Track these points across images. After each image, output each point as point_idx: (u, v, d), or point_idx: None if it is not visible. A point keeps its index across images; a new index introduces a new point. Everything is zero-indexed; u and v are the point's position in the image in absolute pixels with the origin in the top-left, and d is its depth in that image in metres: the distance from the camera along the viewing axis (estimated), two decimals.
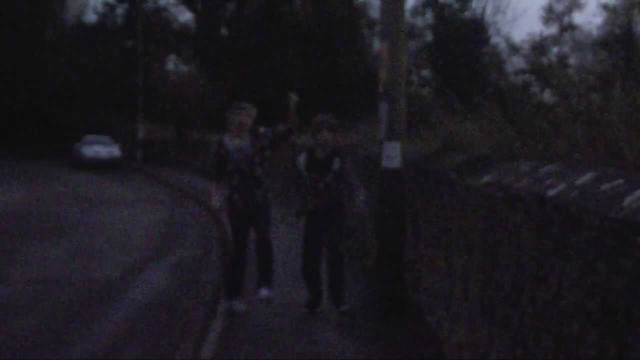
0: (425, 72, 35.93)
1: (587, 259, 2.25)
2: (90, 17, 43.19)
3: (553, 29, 42.52)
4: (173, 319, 5.75)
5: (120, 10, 38.85)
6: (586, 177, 2.56)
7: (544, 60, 35.94)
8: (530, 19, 69.53)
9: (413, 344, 4.94)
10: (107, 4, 38.89)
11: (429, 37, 35.24)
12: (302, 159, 5.70)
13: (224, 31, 35.73)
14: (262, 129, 5.86)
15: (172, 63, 41.01)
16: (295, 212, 5.88)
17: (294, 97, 5.72)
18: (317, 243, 5.75)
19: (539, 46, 39.90)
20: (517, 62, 37.00)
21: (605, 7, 35.97)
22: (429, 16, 35.29)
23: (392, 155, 5.61)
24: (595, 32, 36.73)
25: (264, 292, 5.77)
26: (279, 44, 30.40)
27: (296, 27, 31.27)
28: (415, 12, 34.71)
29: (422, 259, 5.35)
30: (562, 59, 35.25)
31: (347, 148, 5.70)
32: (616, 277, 2.05)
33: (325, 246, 5.77)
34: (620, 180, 2.33)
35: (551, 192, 2.64)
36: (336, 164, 5.59)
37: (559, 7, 42.06)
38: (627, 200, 2.11)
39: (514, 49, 38.11)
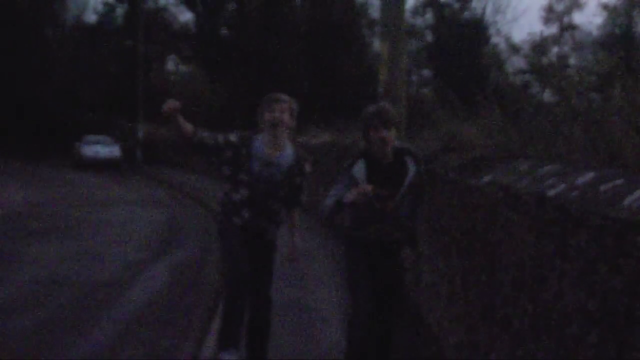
0: (425, 72, 35.95)
1: (587, 259, 2.25)
2: (90, 17, 43.31)
3: (553, 29, 42.56)
4: (173, 319, 5.75)
5: (120, 10, 38.92)
6: (586, 177, 2.56)
7: (544, 60, 35.95)
8: (530, 19, 69.56)
9: (413, 344, 4.93)
10: (107, 4, 38.95)
11: (429, 37, 35.25)
12: (358, 168, 3.79)
13: (224, 31, 35.74)
14: (307, 167, 4.17)
15: (172, 63, 41.08)
16: (331, 206, 3.76)
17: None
18: (370, 296, 3.78)
19: (539, 46, 39.90)
20: (517, 62, 37.04)
21: (605, 7, 35.99)
22: (429, 16, 35.33)
23: None
24: (595, 32, 36.75)
25: None
26: (279, 44, 30.38)
27: (296, 27, 31.26)
28: (415, 12, 34.75)
29: (422, 258, 5.35)
30: (562, 59, 35.26)
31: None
32: (616, 277, 2.05)
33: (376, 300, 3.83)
34: (620, 180, 2.33)
35: (551, 192, 2.64)
36: (411, 171, 3.81)
37: (559, 7, 42.09)
38: (627, 200, 2.11)
39: (514, 49, 38.14)
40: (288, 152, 4.04)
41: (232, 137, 3.99)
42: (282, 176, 4.00)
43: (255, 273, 4.03)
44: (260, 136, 4.02)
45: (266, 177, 3.98)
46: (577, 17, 69.32)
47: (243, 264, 3.96)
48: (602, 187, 2.35)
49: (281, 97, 3.99)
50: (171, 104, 3.78)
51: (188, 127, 3.93)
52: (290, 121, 4.00)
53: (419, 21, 35.31)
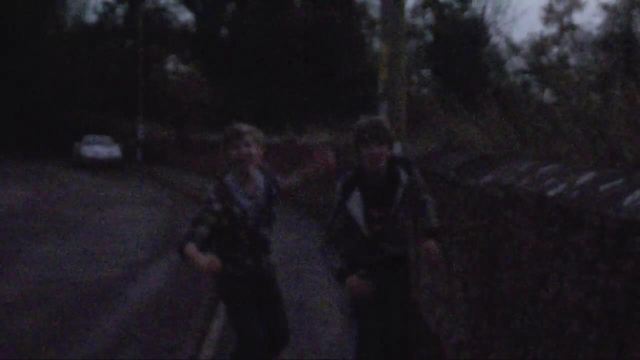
0: (425, 72, 35.97)
1: (587, 259, 2.25)
2: (90, 17, 43.36)
3: (553, 29, 42.58)
4: (173, 319, 5.75)
5: (120, 10, 38.94)
6: (586, 177, 2.56)
7: (544, 60, 35.96)
8: (530, 19, 69.54)
9: (413, 344, 4.93)
10: (107, 4, 38.97)
11: (429, 37, 35.26)
12: (355, 205, 3.54)
13: (224, 31, 35.75)
14: (276, 175, 3.88)
15: (172, 63, 41.10)
16: (336, 274, 3.52)
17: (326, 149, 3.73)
18: (376, 315, 3.61)
19: (539, 46, 39.91)
20: (517, 62, 37.06)
21: (605, 7, 35.99)
22: (429, 16, 35.33)
23: None
24: (595, 32, 36.75)
25: None
26: (279, 44, 30.39)
27: (296, 27, 31.26)
28: (415, 12, 34.76)
29: (422, 258, 5.35)
30: (562, 59, 35.27)
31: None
32: (616, 277, 2.05)
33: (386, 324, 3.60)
34: (620, 180, 2.33)
35: (551, 192, 2.64)
36: (403, 181, 3.56)
37: (559, 7, 42.10)
38: (627, 200, 2.11)
39: (514, 49, 38.14)
40: (258, 177, 3.73)
41: (216, 206, 3.55)
42: (264, 201, 3.69)
43: (269, 317, 3.74)
44: (229, 175, 3.67)
45: (252, 208, 3.64)
46: (577, 17, 69.34)
47: (256, 327, 3.62)
48: (602, 187, 2.35)
49: (241, 130, 3.62)
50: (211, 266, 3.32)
51: (198, 255, 3.43)
52: (258, 152, 3.66)
53: (419, 21, 35.33)
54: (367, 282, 3.40)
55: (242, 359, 3.65)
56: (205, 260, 3.30)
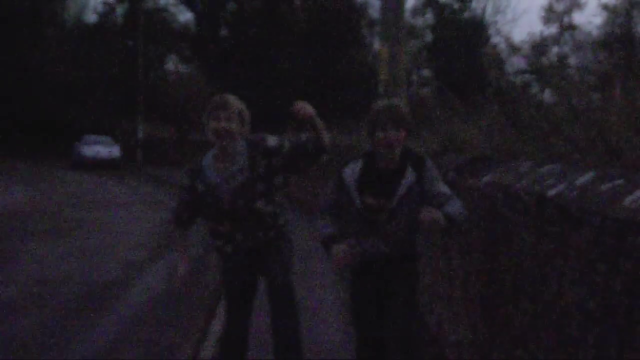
0: (425, 72, 35.97)
1: (587, 259, 2.25)
2: (90, 17, 43.34)
3: (553, 29, 42.58)
4: (173, 319, 5.75)
5: (120, 10, 38.93)
6: (586, 177, 2.56)
7: (544, 60, 35.97)
8: (530, 19, 69.56)
9: (418, 353, 4.93)
10: (107, 4, 38.97)
11: (429, 37, 35.27)
12: (350, 171, 3.38)
13: (224, 31, 35.76)
14: (270, 141, 3.59)
15: (172, 63, 41.10)
16: (324, 239, 3.36)
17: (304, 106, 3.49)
18: (375, 319, 3.36)
19: (539, 46, 39.92)
20: (517, 62, 37.07)
21: (605, 7, 35.99)
22: (429, 16, 35.35)
23: None
24: (595, 32, 36.76)
25: None
26: (279, 43, 30.40)
27: (296, 27, 31.27)
28: (415, 12, 34.79)
29: (422, 258, 5.35)
30: (562, 59, 35.27)
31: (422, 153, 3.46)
32: (616, 277, 2.05)
33: (387, 324, 3.33)
34: (620, 180, 2.33)
35: (551, 192, 2.64)
36: (409, 178, 3.26)
37: (559, 7, 42.11)
38: (627, 200, 2.11)
39: (514, 49, 38.15)
40: (239, 159, 3.51)
41: (185, 180, 3.68)
42: (249, 174, 3.49)
43: (269, 273, 3.65)
44: (205, 157, 3.61)
45: (234, 189, 3.50)
46: (577, 17, 69.40)
47: (241, 302, 3.62)
48: (602, 187, 2.35)
49: (228, 102, 3.47)
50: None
51: (185, 249, 3.92)
52: (240, 129, 3.49)
53: (419, 21, 35.36)
54: (356, 252, 3.21)
55: (222, 350, 3.70)
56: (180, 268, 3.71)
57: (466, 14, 34.28)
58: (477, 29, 33.27)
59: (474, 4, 34.44)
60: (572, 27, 41.00)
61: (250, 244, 3.61)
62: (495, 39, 36.81)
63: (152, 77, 34.95)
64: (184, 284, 3.72)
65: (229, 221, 3.57)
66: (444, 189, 3.28)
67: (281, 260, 3.67)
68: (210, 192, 3.55)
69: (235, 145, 3.50)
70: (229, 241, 3.63)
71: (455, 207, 3.20)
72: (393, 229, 3.26)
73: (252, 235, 3.59)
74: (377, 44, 30.37)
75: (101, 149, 27.82)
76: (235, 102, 3.51)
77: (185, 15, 52.40)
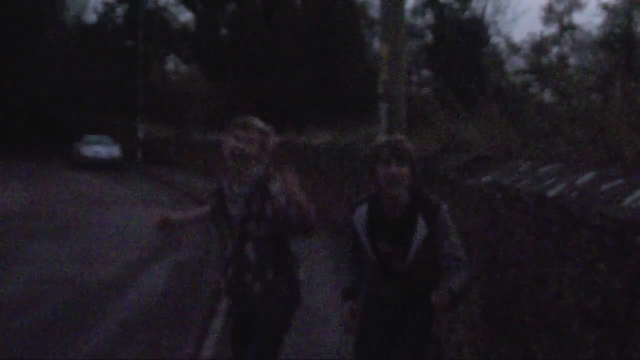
0: (425, 72, 35.97)
1: (587, 259, 2.25)
2: (90, 17, 43.35)
3: (553, 29, 42.59)
4: (173, 319, 5.75)
5: (120, 10, 38.93)
6: (586, 177, 2.56)
7: (544, 60, 35.98)
8: (530, 19, 69.61)
9: None
10: (107, 4, 38.96)
11: (429, 37, 35.27)
12: (359, 216, 3.15)
13: (224, 31, 35.76)
14: (273, 186, 3.09)
15: (172, 63, 41.11)
16: (341, 292, 3.32)
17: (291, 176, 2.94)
18: (379, 354, 3.17)
19: (539, 46, 39.93)
20: (517, 62, 37.08)
21: (605, 7, 35.98)
22: (429, 16, 35.34)
23: None
24: (595, 32, 36.76)
25: None
26: (279, 44, 30.40)
27: (296, 27, 31.27)
28: (415, 12, 34.77)
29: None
30: (562, 59, 35.28)
31: (436, 197, 3.11)
32: (616, 277, 2.05)
33: None
34: (620, 180, 2.33)
35: (551, 192, 2.64)
36: (421, 232, 3.00)
37: (559, 7, 42.10)
38: (627, 200, 2.11)
39: (514, 49, 38.16)
40: (250, 179, 3.13)
41: (213, 203, 3.29)
42: (243, 210, 3.10)
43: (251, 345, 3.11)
44: (229, 174, 3.23)
45: (237, 212, 3.13)
46: (577, 17, 69.46)
47: (238, 342, 3.25)
48: (602, 187, 2.35)
49: (250, 123, 3.10)
50: (159, 221, 3.25)
51: (201, 211, 3.46)
52: (258, 153, 3.09)
53: (419, 21, 35.34)
54: (354, 320, 3.18)
55: None
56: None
57: (466, 14, 34.29)
58: (477, 29, 33.27)
59: (474, 4, 34.47)
60: (572, 27, 41.01)
61: (236, 285, 3.17)
62: (495, 39, 36.87)
63: (152, 77, 34.92)
64: (167, 226, 3.27)
65: (232, 241, 3.20)
66: (454, 248, 2.99)
67: (265, 332, 3.13)
68: (226, 208, 3.21)
69: (250, 171, 3.12)
70: (227, 266, 3.22)
71: (461, 279, 2.91)
72: (414, 280, 3.07)
73: (240, 277, 3.15)
74: (377, 44, 30.39)
75: (101, 148, 27.80)
76: (259, 124, 3.14)
77: (185, 15, 52.41)
